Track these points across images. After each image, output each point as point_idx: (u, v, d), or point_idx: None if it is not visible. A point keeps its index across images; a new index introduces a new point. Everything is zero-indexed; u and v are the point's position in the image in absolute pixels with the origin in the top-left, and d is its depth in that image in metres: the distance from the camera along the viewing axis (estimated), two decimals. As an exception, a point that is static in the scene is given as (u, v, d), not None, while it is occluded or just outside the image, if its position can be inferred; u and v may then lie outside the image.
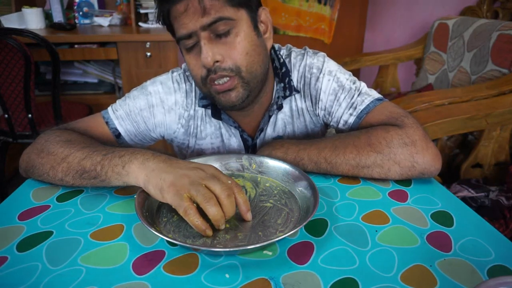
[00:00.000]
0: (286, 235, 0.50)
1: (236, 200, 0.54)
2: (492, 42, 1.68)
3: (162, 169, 0.55)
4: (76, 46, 1.99)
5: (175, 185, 0.52)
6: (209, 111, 0.80)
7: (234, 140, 0.83)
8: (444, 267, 0.48)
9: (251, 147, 0.83)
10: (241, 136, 0.82)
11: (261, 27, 0.71)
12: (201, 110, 0.80)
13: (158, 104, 0.78)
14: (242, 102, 0.70)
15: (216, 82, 0.68)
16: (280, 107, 0.80)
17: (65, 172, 0.62)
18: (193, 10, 0.63)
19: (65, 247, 0.51)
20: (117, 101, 0.79)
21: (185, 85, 0.79)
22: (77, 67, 2.20)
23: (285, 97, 0.79)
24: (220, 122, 0.81)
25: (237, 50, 0.66)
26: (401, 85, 2.36)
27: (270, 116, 0.80)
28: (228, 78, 0.67)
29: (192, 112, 0.80)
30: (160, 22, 0.70)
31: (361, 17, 2.49)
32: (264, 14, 0.72)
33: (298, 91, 0.80)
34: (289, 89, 0.79)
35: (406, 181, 0.69)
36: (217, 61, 0.66)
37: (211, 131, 0.82)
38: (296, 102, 0.81)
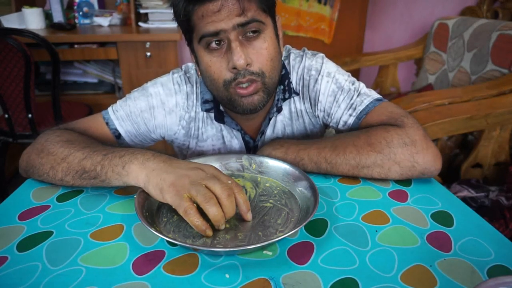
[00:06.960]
0: (286, 235, 0.50)
1: (236, 200, 0.54)
2: (492, 42, 1.68)
3: (162, 169, 0.55)
4: (76, 46, 1.99)
5: (175, 185, 0.52)
6: (211, 114, 0.80)
7: (235, 142, 0.83)
8: (444, 267, 0.48)
9: (252, 149, 0.83)
10: (243, 138, 0.82)
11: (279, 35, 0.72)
12: (202, 112, 0.80)
13: (159, 106, 0.78)
14: (263, 106, 0.71)
15: (240, 86, 0.67)
16: (279, 110, 0.80)
17: (65, 172, 0.62)
18: (228, 10, 0.62)
19: (65, 247, 0.51)
20: (118, 102, 0.79)
21: (186, 87, 0.79)
22: (77, 67, 2.20)
23: (284, 100, 0.79)
24: (222, 124, 0.81)
25: (264, 56, 0.67)
26: (401, 85, 2.36)
27: (270, 119, 0.80)
28: (251, 83, 0.67)
29: (193, 114, 0.80)
30: (176, 19, 0.68)
31: (361, 17, 2.49)
32: (279, 22, 0.72)
33: (297, 94, 0.80)
34: (289, 92, 0.79)
35: (406, 181, 0.69)
36: (247, 64, 0.65)
37: (212, 133, 0.82)
38: (295, 104, 0.81)
